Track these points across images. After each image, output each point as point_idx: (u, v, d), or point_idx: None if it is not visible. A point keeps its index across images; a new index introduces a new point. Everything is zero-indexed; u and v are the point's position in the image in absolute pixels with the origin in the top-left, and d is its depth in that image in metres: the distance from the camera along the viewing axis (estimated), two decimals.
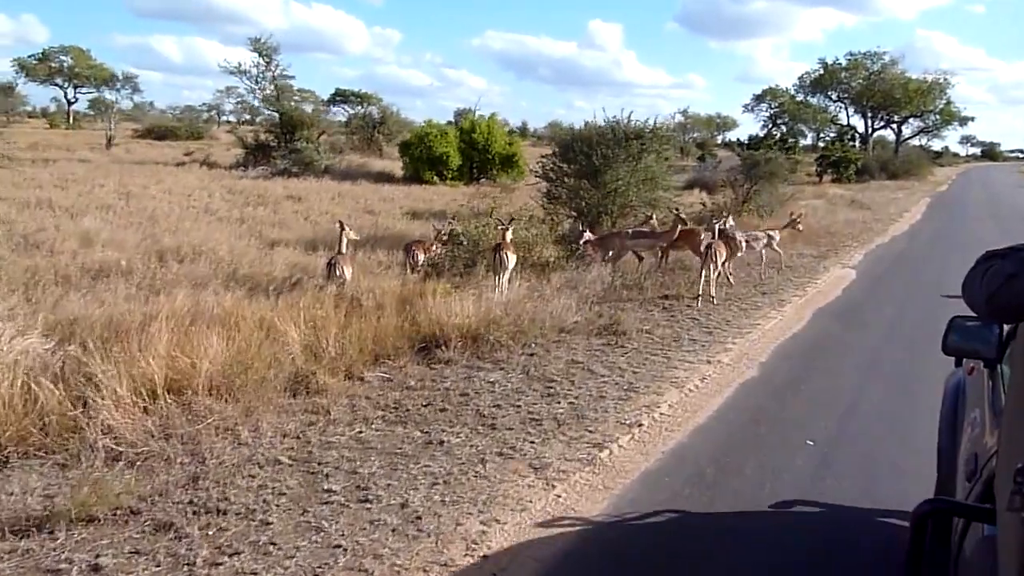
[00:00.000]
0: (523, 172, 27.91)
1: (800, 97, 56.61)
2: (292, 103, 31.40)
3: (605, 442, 5.14)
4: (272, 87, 30.63)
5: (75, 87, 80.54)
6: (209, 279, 9.00)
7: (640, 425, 5.48)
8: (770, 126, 54.90)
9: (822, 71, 55.03)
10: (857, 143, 52.29)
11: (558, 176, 13.61)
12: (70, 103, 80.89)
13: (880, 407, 6.14)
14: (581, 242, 10.78)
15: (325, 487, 4.34)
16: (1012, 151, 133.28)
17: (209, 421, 4.92)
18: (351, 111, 55.51)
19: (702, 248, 10.32)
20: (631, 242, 10.87)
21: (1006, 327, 2.85)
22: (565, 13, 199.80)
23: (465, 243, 10.00)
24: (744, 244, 11.19)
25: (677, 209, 10.91)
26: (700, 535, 4.11)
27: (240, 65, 29.89)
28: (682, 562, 3.84)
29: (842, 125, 55.75)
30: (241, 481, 4.33)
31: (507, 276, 8.90)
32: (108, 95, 79.50)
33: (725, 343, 7.72)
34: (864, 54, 54.06)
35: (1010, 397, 2.13)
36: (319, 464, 4.63)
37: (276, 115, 31.19)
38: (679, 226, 10.78)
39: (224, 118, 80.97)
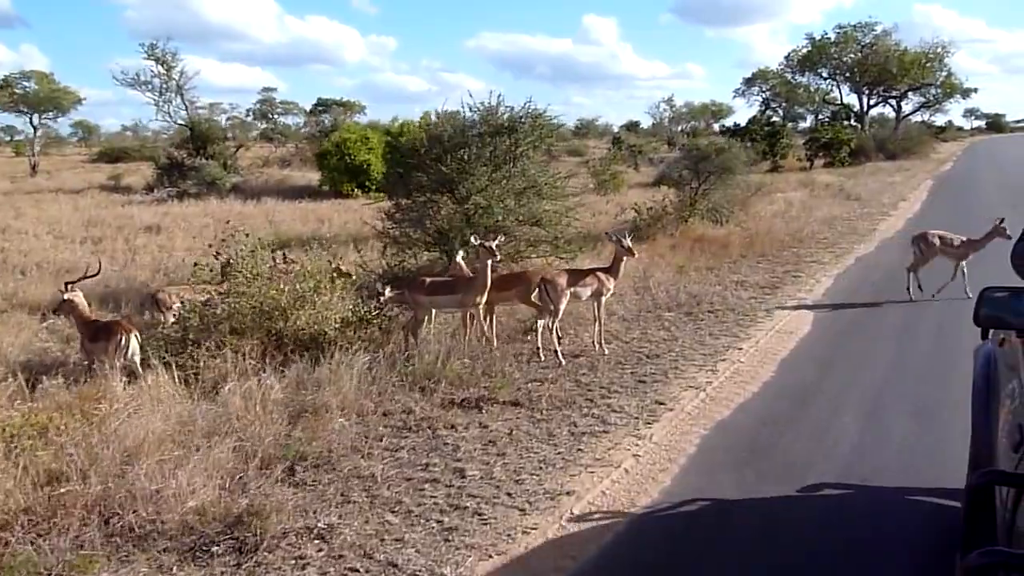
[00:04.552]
0: None
1: (790, 77, 52.61)
2: (199, 114, 27.86)
3: None
4: (178, 98, 27.11)
5: (39, 113, 77.45)
6: None
7: None
8: (764, 110, 51.01)
9: (809, 47, 50.87)
10: (853, 122, 48.30)
11: (406, 189, 9.97)
12: (35, 129, 77.64)
13: None
14: (382, 300, 7.06)
15: None
16: (1018, 121, 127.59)
17: None
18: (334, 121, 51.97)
19: (537, 291, 6.70)
20: (427, 299, 6.88)
21: None
22: (559, 10, 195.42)
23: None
24: (938, 243, 9.20)
25: (493, 237, 6.77)
26: None
27: (138, 76, 26.35)
28: None
29: (837, 104, 51.68)
30: None
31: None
32: (37, 121, 77.06)
33: None
34: (855, 26, 49.91)
35: None
36: None
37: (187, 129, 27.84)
38: (489, 263, 6.55)
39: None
